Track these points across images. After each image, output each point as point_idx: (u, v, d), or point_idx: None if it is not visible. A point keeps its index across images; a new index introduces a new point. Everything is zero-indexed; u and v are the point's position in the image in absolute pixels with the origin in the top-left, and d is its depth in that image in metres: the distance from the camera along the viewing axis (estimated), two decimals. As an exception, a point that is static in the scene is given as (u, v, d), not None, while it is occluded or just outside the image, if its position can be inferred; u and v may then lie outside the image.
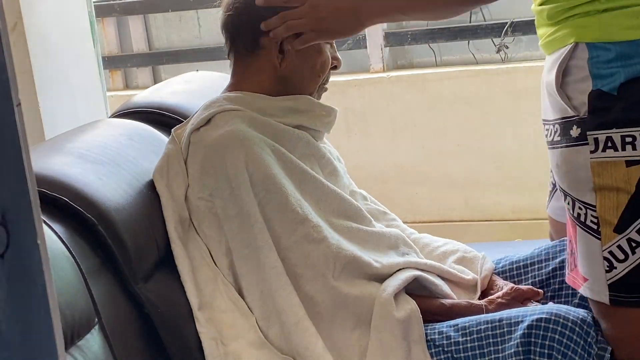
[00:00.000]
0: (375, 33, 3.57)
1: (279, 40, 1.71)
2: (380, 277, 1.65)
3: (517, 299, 1.69)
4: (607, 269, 1.39)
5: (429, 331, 1.59)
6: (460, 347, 1.56)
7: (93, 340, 1.39)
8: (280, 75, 1.76)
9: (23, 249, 0.60)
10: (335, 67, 1.83)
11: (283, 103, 1.75)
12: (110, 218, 1.52)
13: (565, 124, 1.41)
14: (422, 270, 1.70)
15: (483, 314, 1.64)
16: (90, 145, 1.70)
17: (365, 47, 3.58)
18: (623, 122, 1.35)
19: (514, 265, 1.84)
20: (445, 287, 1.71)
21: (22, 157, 0.59)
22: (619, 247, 1.38)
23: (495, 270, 1.85)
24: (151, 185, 1.68)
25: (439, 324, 1.61)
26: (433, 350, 1.57)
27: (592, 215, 1.39)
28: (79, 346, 1.36)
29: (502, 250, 1.99)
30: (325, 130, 1.85)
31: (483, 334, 1.55)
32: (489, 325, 1.55)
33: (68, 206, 1.50)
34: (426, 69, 3.59)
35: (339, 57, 1.84)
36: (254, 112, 1.70)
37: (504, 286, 1.75)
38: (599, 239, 1.40)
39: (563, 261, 1.75)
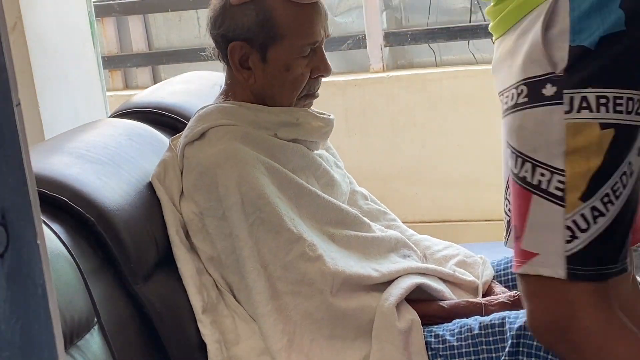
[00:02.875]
0: (375, 33, 3.57)
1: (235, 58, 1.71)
2: (381, 287, 1.65)
3: (517, 305, 1.68)
4: (569, 239, 1.29)
5: (425, 333, 1.60)
6: (455, 351, 1.57)
7: (92, 341, 1.39)
8: (254, 91, 1.74)
9: (23, 249, 0.59)
10: (321, 76, 1.75)
11: (278, 117, 1.72)
12: (109, 218, 1.52)
13: (535, 83, 1.31)
14: (422, 274, 1.70)
15: (482, 312, 1.64)
16: (90, 145, 1.70)
17: (365, 47, 3.57)
18: (598, 81, 1.27)
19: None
20: (446, 292, 1.71)
21: (22, 157, 0.59)
22: (583, 215, 1.29)
23: (496, 272, 1.85)
24: (151, 186, 1.68)
25: (436, 326, 1.62)
26: (429, 353, 1.58)
27: (558, 181, 1.30)
28: (79, 346, 1.36)
29: (502, 250, 1.98)
30: (322, 140, 1.83)
31: (477, 340, 1.55)
32: (482, 331, 1.56)
33: (67, 206, 1.50)
34: (426, 69, 3.59)
35: (328, 63, 1.74)
36: (248, 127, 1.69)
37: (502, 293, 1.74)
38: (563, 206, 1.29)
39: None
